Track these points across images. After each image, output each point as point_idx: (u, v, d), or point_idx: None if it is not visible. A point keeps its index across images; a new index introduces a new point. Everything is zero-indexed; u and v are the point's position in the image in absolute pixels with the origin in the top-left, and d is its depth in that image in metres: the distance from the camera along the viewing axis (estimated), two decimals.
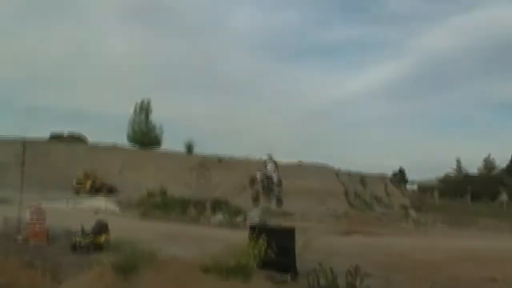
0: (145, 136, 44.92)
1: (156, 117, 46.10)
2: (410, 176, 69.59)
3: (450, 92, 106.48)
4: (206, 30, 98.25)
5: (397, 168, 71.41)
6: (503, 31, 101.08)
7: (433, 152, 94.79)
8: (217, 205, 23.95)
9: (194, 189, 26.58)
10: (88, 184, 33.33)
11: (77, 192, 32.27)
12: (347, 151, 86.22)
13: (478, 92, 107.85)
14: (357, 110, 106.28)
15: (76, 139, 47.30)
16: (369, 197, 35.26)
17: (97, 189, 32.99)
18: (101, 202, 23.99)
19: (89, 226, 11.68)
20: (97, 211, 20.41)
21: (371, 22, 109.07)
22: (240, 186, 27.53)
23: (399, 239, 19.78)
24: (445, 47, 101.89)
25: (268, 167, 11.48)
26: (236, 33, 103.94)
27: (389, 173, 59.37)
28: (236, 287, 7.55)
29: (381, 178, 41.68)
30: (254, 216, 20.45)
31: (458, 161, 64.53)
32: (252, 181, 11.85)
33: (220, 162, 37.22)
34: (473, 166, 64.87)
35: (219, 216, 22.14)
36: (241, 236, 9.68)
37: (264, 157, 11.83)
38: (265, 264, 8.40)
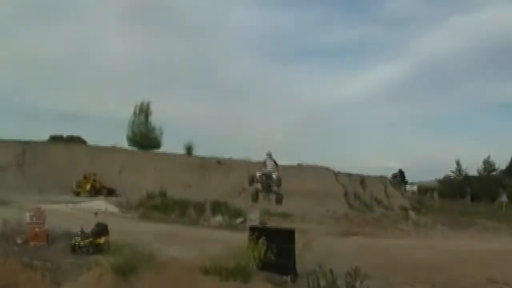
0: (144, 137, 44.90)
1: (155, 118, 46.14)
2: (410, 177, 69.54)
3: (449, 93, 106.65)
4: (206, 31, 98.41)
5: (397, 170, 71.48)
6: (503, 32, 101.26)
7: (433, 153, 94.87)
8: (217, 206, 23.92)
9: (194, 190, 26.59)
10: (88, 186, 33.33)
11: (77, 193, 32.29)
12: (346, 152, 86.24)
13: (478, 93, 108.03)
14: (356, 111, 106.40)
15: (76, 141, 47.26)
16: (369, 199, 35.21)
17: (96, 191, 33.00)
18: (100, 204, 23.93)
19: (88, 227, 11.69)
20: (97, 213, 20.34)
21: (371, 23, 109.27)
22: (240, 187, 27.53)
23: (399, 240, 19.80)
24: (445, 48, 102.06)
25: (267, 166, 11.45)
26: (235, 34, 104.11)
27: (389, 174, 59.43)
28: None
29: (381, 179, 41.61)
30: (254, 218, 20.53)
31: (458, 163, 64.47)
32: (252, 179, 11.83)
33: (220, 163, 37.21)
34: (472, 168, 64.76)
35: (218, 218, 22.13)
36: (241, 238, 9.68)
37: (264, 156, 11.79)
38: (265, 266, 8.40)
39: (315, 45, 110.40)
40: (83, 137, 49.43)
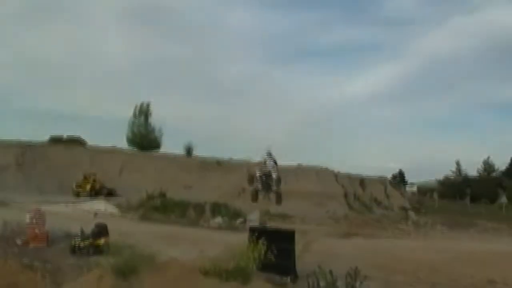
0: (144, 138, 44.93)
1: (155, 119, 46.20)
2: (409, 178, 69.67)
3: (449, 94, 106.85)
4: (206, 32, 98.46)
5: (396, 170, 71.55)
6: (503, 32, 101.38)
7: (432, 154, 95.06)
8: (217, 207, 23.92)
9: (193, 191, 26.57)
10: (88, 187, 33.33)
11: (77, 194, 32.28)
12: (346, 153, 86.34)
13: (478, 94, 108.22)
14: (356, 112, 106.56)
15: (76, 142, 47.21)
16: (369, 200, 35.23)
17: (96, 192, 32.99)
18: (100, 205, 23.93)
19: (88, 228, 11.68)
20: (97, 214, 20.39)
21: (371, 23, 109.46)
22: (240, 188, 27.55)
23: (399, 241, 19.78)
24: (445, 48, 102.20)
25: (267, 165, 11.40)
26: (235, 35, 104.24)
27: (389, 175, 59.47)
28: None
29: (381, 180, 41.63)
30: (254, 218, 20.52)
31: (458, 163, 64.64)
32: (251, 179, 11.79)
33: (220, 164, 37.23)
34: (472, 168, 65.00)
35: (218, 219, 22.11)
36: (241, 239, 9.68)
37: (263, 155, 11.73)
38: (265, 267, 8.40)
39: (315, 45, 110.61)
40: (83, 138, 49.46)
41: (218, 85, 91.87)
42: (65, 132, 50.65)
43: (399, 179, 66.62)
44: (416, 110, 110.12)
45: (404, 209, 35.95)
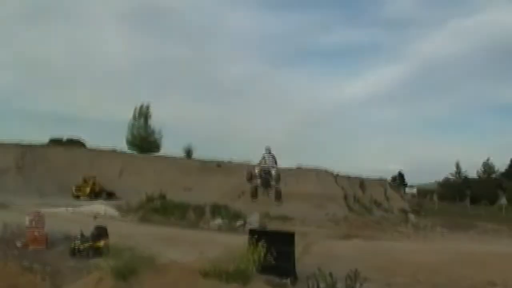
0: (144, 140, 44.94)
1: (155, 121, 46.23)
2: (409, 180, 69.72)
3: (449, 95, 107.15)
4: (206, 33, 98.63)
5: (396, 172, 71.61)
6: (503, 34, 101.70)
7: (432, 155, 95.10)
8: (217, 209, 23.89)
9: (193, 193, 26.52)
10: (87, 189, 33.31)
11: (76, 197, 32.26)
12: (346, 154, 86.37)
13: (477, 95, 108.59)
14: (356, 113, 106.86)
15: (76, 144, 47.25)
16: (369, 201, 35.20)
17: (96, 194, 32.98)
18: (100, 207, 23.90)
19: (88, 231, 11.68)
20: (97, 216, 20.37)
21: (371, 25, 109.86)
22: (240, 190, 27.51)
23: (399, 243, 19.77)
24: (444, 50, 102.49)
25: (266, 161, 11.35)
26: (235, 36, 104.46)
27: (389, 177, 59.49)
28: None
29: (381, 182, 41.61)
30: (253, 220, 20.53)
31: (458, 165, 64.62)
32: (250, 175, 11.76)
33: (219, 166, 37.22)
34: (472, 170, 65.01)
35: (218, 221, 22.09)
36: (241, 241, 9.68)
37: (263, 152, 11.67)
38: (265, 269, 8.39)
39: (315, 46, 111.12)
40: (83, 139, 49.50)
41: (218, 85, 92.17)
42: (65, 134, 50.87)
43: (399, 181, 66.66)
44: (415, 112, 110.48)
45: (404, 211, 35.96)
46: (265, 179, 11.20)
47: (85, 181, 33.98)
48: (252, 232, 9.76)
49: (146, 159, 40.66)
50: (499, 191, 51.42)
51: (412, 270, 11.18)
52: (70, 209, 23.32)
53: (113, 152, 41.92)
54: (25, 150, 38.58)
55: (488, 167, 63.44)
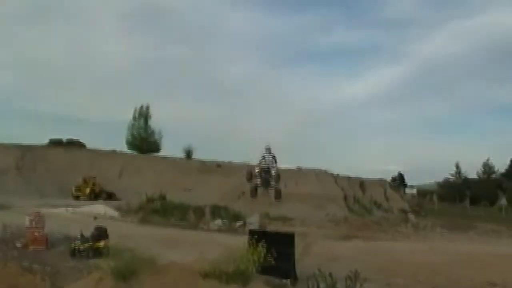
0: (144, 141, 44.95)
1: (155, 122, 46.26)
2: (409, 180, 69.78)
3: (449, 96, 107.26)
4: (206, 34, 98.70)
5: (396, 173, 71.67)
6: (502, 34, 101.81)
7: (432, 156, 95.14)
8: (216, 210, 23.88)
9: (193, 194, 26.50)
10: (87, 190, 33.33)
11: (76, 197, 32.27)
12: (346, 155, 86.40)
13: (477, 96, 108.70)
14: (356, 114, 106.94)
15: (76, 144, 47.28)
16: (369, 202, 35.20)
17: (96, 195, 33.00)
18: (100, 208, 23.91)
19: (88, 231, 11.69)
20: (96, 217, 20.38)
21: (371, 26, 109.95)
22: (239, 191, 27.49)
23: (399, 243, 19.76)
24: (444, 51, 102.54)
25: (266, 160, 11.38)
26: (235, 37, 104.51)
27: (389, 177, 59.57)
28: None
29: (380, 182, 41.64)
30: (253, 221, 20.52)
31: (457, 166, 64.63)
32: (250, 175, 11.80)
33: (219, 167, 37.24)
34: (472, 171, 65.02)
35: (218, 221, 22.08)
36: (241, 242, 9.68)
37: (262, 151, 11.69)
38: (265, 270, 8.40)
39: (315, 47, 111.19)
40: (83, 140, 49.54)
41: (218, 86, 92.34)
42: (65, 135, 50.96)
43: (399, 181, 66.71)
44: (415, 112, 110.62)
45: (403, 211, 35.96)
46: (265, 179, 11.24)
47: (85, 181, 34.00)
48: (252, 232, 9.77)
49: (146, 160, 40.68)
50: (499, 192, 51.41)
51: (412, 270, 11.19)
52: (70, 209, 23.34)
53: (113, 152, 41.96)
54: (25, 151, 38.61)
55: (488, 168, 63.45)
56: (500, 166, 63.75)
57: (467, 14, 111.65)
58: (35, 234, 11.92)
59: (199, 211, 23.53)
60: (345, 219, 27.87)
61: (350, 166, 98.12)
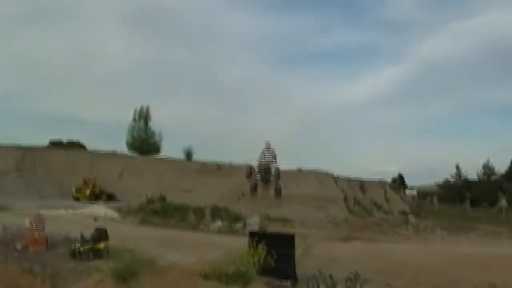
0: (144, 142, 45.00)
1: (155, 123, 46.30)
2: (409, 181, 69.76)
3: (449, 97, 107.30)
4: (205, 35, 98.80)
5: (396, 174, 71.64)
6: (503, 36, 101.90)
7: (432, 157, 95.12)
8: (217, 211, 23.88)
9: (193, 195, 26.51)
10: (87, 191, 33.32)
11: (76, 198, 32.26)
12: (346, 156, 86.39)
13: (477, 97, 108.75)
14: (356, 115, 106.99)
15: (76, 146, 47.32)
16: (369, 203, 35.20)
17: (96, 196, 32.99)
18: (100, 209, 23.89)
19: (88, 233, 11.68)
20: (97, 218, 20.38)
21: (371, 27, 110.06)
22: (240, 192, 27.49)
23: (399, 245, 19.75)
24: (444, 52, 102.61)
25: (266, 157, 11.35)
26: (235, 38, 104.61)
27: (389, 178, 59.53)
28: None
29: (381, 184, 41.64)
30: (253, 223, 20.52)
31: (458, 167, 64.60)
32: (249, 172, 11.77)
33: (220, 168, 37.25)
34: (472, 172, 64.93)
35: (218, 223, 22.08)
36: (241, 243, 9.68)
37: (262, 147, 11.65)
38: (265, 271, 8.39)
39: (315, 47, 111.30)
40: (83, 142, 49.58)
41: (218, 86, 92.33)
42: (65, 136, 51.00)
43: (399, 182, 66.68)
44: (416, 113, 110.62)
45: (404, 213, 35.96)
46: (265, 176, 11.23)
47: (85, 183, 34.01)
48: (252, 234, 9.76)
49: (146, 161, 40.70)
50: (499, 193, 51.38)
51: (412, 271, 11.18)
52: (70, 211, 23.33)
53: (113, 154, 41.98)
54: (25, 152, 38.62)
55: (488, 169, 63.41)
56: (501, 167, 63.79)
57: (467, 15, 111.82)
58: (35, 235, 11.91)
59: (199, 213, 23.52)
60: (346, 220, 27.86)
61: (350, 167, 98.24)
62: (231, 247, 9.54)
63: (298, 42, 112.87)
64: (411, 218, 33.19)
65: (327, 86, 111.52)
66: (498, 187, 56.13)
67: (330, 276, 7.66)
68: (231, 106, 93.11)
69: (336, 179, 34.92)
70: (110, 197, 32.87)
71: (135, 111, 45.86)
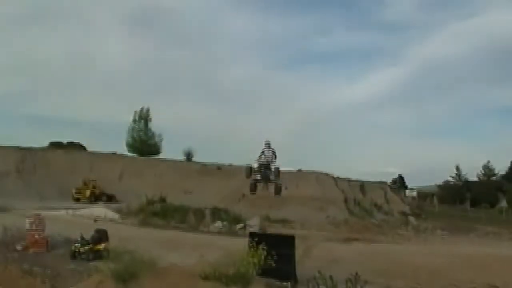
0: (144, 144, 44.95)
1: (155, 125, 46.28)
2: (409, 183, 69.64)
3: (449, 98, 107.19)
4: (205, 37, 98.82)
5: (396, 175, 71.54)
6: (502, 37, 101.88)
7: (432, 158, 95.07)
8: (217, 212, 23.86)
9: (193, 196, 26.46)
10: (88, 192, 33.30)
11: (77, 200, 32.24)
12: (346, 158, 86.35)
13: (477, 98, 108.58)
14: (356, 117, 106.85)
15: (76, 147, 47.29)
16: (369, 204, 35.16)
17: (96, 197, 32.97)
18: (100, 210, 23.87)
19: (88, 234, 11.68)
20: (97, 219, 20.37)
21: (371, 28, 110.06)
22: (240, 193, 27.48)
23: (399, 246, 19.75)
24: (444, 53, 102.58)
25: (265, 155, 11.31)
26: (236, 40, 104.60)
27: (389, 180, 59.47)
28: None
29: (381, 185, 41.62)
30: (254, 224, 20.50)
31: (458, 168, 64.54)
32: (249, 170, 11.71)
33: (220, 169, 37.23)
34: (472, 173, 64.87)
35: (218, 224, 22.07)
36: (241, 244, 9.68)
37: (262, 146, 11.61)
38: (265, 272, 8.39)
39: (315, 48, 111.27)
40: (83, 143, 49.57)
41: (218, 87, 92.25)
42: (65, 137, 50.99)
43: (399, 184, 66.57)
44: (416, 114, 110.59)
45: (404, 214, 35.90)
46: (265, 174, 11.17)
47: (85, 184, 33.98)
48: (252, 235, 9.76)
49: (146, 162, 40.68)
50: (499, 194, 51.32)
51: (413, 272, 11.18)
52: (70, 212, 23.32)
53: (113, 155, 41.97)
54: (25, 153, 38.60)
55: (488, 170, 63.36)
56: (501, 168, 63.72)
57: (467, 15, 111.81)
58: (36, 236, 11.90)
59: (199, 214, 23.50)
60: (346, 221, 27.84)
61: (350, 167, 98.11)
62: (231, 248, 9.54)
63: (298, 42, 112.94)
64: (411, 219, 33.16)
65: (327, 86, 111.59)
66: (498, 188, 56.07)
67: (330, 277, 7.66)
68: (231, 106, 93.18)
69: (336, 180, 34.91)
70: (110, 198, 32.85)
71: (135, 112, 45.88)
